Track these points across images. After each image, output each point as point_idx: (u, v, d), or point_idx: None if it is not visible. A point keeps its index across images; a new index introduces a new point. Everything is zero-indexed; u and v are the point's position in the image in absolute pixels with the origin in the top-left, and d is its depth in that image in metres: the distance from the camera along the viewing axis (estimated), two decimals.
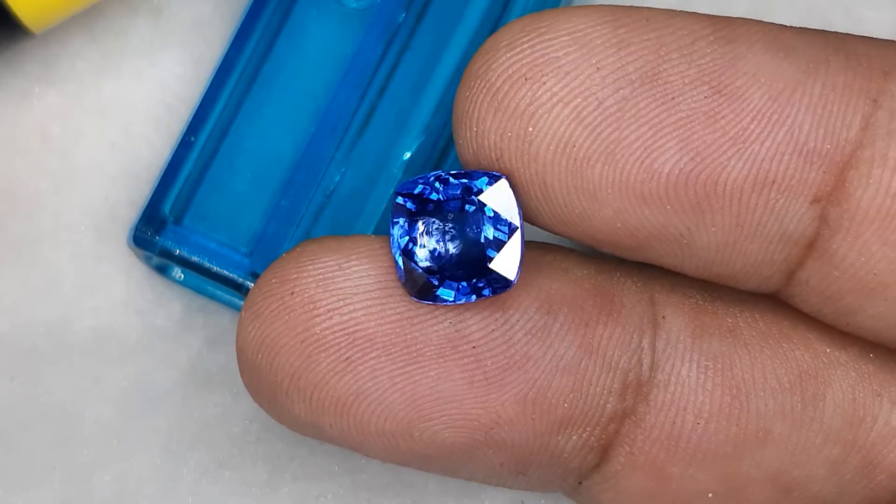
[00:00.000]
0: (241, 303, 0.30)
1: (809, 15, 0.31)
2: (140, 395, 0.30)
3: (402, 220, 0.22)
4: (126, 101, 0.31)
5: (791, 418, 0.24)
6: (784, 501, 0.24)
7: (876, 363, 0.24)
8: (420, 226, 0.22)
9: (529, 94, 0.22)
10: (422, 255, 0.22)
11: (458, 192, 0.22)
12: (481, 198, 0.22)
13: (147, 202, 0.29)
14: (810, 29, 0.23)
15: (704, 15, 0.22)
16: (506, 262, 0.22)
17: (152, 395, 0.30)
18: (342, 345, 0.23)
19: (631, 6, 0.23)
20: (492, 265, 0.22)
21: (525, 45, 0.22)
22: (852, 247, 0.22)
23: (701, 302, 0.24)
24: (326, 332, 0.23)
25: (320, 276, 0.23)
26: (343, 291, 0.23)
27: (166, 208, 0.29)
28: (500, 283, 0.22)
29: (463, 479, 0.25)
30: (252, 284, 0.29)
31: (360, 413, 0.23)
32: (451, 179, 0.22)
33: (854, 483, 0.24)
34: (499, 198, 0.22)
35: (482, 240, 0.22)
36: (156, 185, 0.29)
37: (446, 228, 0.22)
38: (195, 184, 0.29)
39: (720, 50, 0.22)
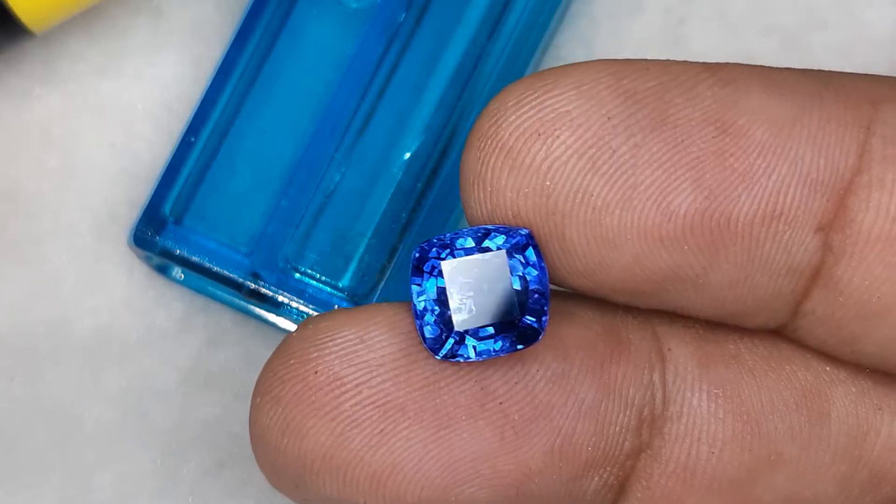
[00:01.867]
0: (242, 303, 0.30)
1: (809, 14, 0.31)
2: (140, 396, 0.30)
3: (421, 282, 0.22)
4: (126, 102, 0.31)
5: (800, 439, 0.24)
6: None
7: (873, 378, 0.24)
8: (444, 286, 0.22)
9: (544, 149, 0.22)
10: (448, 315, 0.22)
11: (477, 248, 0.22)
12: (505, 251, 0.22)
13: (147, 202, 0.29)
14: (795, 69, 0.24)
15: (697, 62, 0.23)
16: (534, 313, 0.22)
17: (152, 395, 0.30)
18: (374, 418, 0.22)
19: (628, 59, 0.23)
20: (519, 318, 0.22)
21: (534, 102, 0.22)
22: (856, 271, 0.23)
23: (702, 332, 0.24)
24: (357, 407, 0.22)
25: (342, 352, 0.22)
26: (368, 364, 0.22)
27: (166, 208, 0.29)
28: (529, 335, 0.22)
29: None
30: (252, 284, 0.29)
31: (397, 485, 0.22)
32: (470, 238, 0.22)
33: (861, 498, 0.24)
34: (522, 251, 0.22)
35: (508, 294, 0.22)
36: (156, 186, 0.29)
37: (470, 286, 0.22)
38: (195, 184, 0.29)
39: (720, 92, 0.23)
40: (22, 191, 0.31)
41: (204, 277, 0.29)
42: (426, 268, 0.22)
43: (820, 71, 0.24)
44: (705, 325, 0.25)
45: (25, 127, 0.31)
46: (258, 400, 0.23)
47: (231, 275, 0.29)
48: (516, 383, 0.23)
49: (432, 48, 0.30)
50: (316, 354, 0.22)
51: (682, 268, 0.23)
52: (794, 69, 0.23)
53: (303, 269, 0.29)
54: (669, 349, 0.24)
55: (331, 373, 0.22)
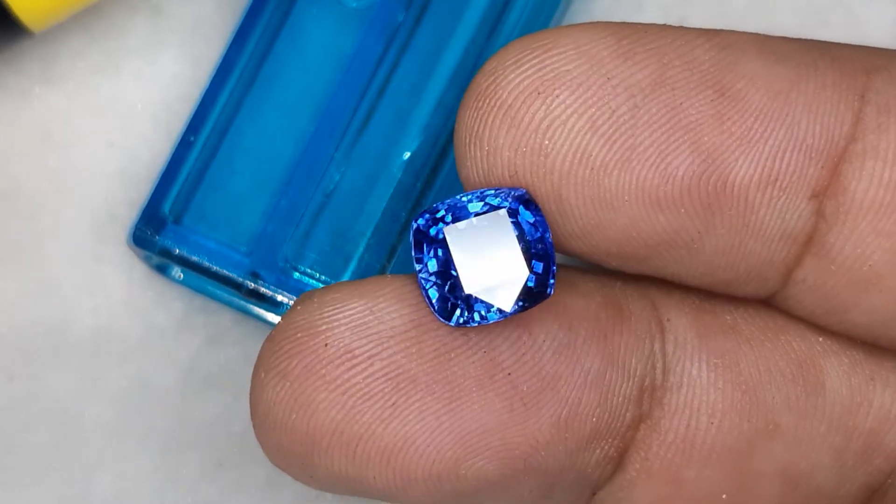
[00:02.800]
0: (241, 302, 0.30)
1: (809, 14, 0.31)
2: (140, 395, 0.30)
3: (426, 250, 0.22)
4: (125, 101, 0.31)
5: (796, 408, 0.24)
6: (791, 496, 0.24)
7: (864, 349, 0.25)
8: (448, 253, 0.22)
9: (543, 107, 0.22)
10: (455, 281, 0.22)
11: (478, 212, 0.22)
12: (506, 211, 0.22)
13: (147, 202, 0.29)
14: (791, 38, 0.24)
15: (694, 28, 0.23)
16: (541, 275, 0.22)
17: (152, 394, 0.30)
18: (386, 391, 0.22)
19: (625, 21, 0.23)
20: (527, 280, 0.22)
21: (534, 61, 0.22)
22: (848, 239, 0.23)
23: (699, 302, 0.24)
24: (369, 380, 0.22)
25: (353, 324, 0.22)
26: (379, 336, 0.22)
27: (166, 208, 0.29)
28: (536, 294, 0.22)
29: None
30: (252, 284, 0.29)
31: (408, 459, 0.22)
32: (473, 202, 0.22)
33: (854, 469, 0.24)
34: (524, 212, 0.22)
35: (514, 254, 0.22)
36: (155, 185, 0.29)
37: (474, 244, 0.22)
38: (195, 183, 0.29)
39: (717, 56, 0.22)
40: (21, 190, 0.31)
41: (203, 277, 0.29)
42: (430, 234, 0.22)
43: (815, 41, 0.24)
44: (702, 295, 0.25)
45: (25, 126, 0.31)
46: (262, 375, 0.23)
47: (231, 274, 0.29)
48: (524, 353, 0.23)
49: (432, 48, 0.30)
50: (325, 327, 0.22)
51: (677, 231, 0.23)
52: (789, 38, 0.23)
53: (302, 268, 0.29)
54: (668, 319, 0.24)
55: (342, 345, 0.22)
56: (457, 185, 0.29)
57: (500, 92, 0.22)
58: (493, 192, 0.22)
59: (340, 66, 0.29)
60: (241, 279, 0.29)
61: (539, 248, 0.22)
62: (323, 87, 0.29)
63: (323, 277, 0.29)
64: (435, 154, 0.29)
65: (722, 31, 0.23)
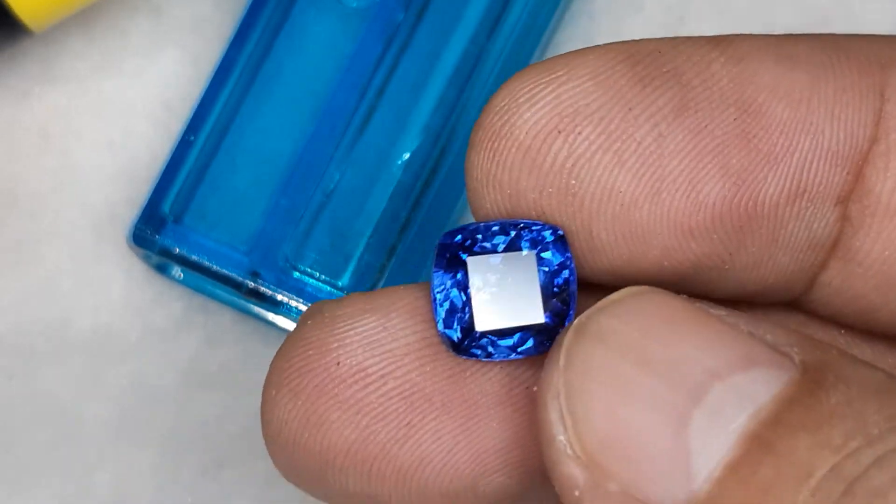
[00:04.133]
0: (241, 302, 0.30)
1: (810, 13, 0.31)
2: (139, 395, 0.30)
3: (444, 276, 0.21)
4: (126, 101, 0.31)
5: None
6: None
7: (886, 341, 0.24)
8: (467, 279, 0.21)
9: (566, 147, 0.21)
10: (469, 315, 0.21)
11: (504, 243, 0.21)
12: (534, 253, 0.21)
13: (146, 201, 0.29)
14: (802, 35, 0.23)
15: (703, 37, 0.22)
16: (558, 315, 0.21)
17: (152, 394, 0.30)
18: (400, 410, 0.22)
19: (635, 40, 0.22)
20: (546, 319, 0.21)
21: (549, 97, 0.21)
22: (875, 242, 0.22)
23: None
24: (382, 399, 0.21)
25: (365, 341, 0.22)
26: (392, 354, 0.22)
27: (166, 207, 0.29)
28: (552, 333, 0.21)
29: None
30: (251, 283, 0.29)
31: (425, 479, 0.22)
32: (501, 236, 0.21)
33: None
34: (552, 253, 0.21)
35: (534, 297, 0.21)
36: (155, 185, 0.29)
37: (494, 282, 0.21)
38: (195, 183, 0.29)
39: (734, 70, 0.22)
40: (21, 190, 0.31)
41: (203, 276, 0.29)
42: (449, 261, 0.21)
43: (828, 36, 0.23)
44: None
45: (25, 126, 0.31)
46: (274, 393, 0.22)
47: (230, 274, 0.29)
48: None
49: (432, 47, 0.30)
50: (337, 345, 0.22)
51: (709, 256, 0.22)
52: (800, 36, 0.23)
53: (302, 267, 0.29)
54: None
55: (354, 364, 0.21)
56: (457, 185, 0.29)
57: (517, 133, 0.21)
58: (525, 224, 0.21)
59: (340, 65, 0.29)
60: (240, 278, 0.29)
61: (562, 287, 0.21)
62: (323, 87, 0.29)
63: (323, 277, 0.29)
64: (434, 154, 0.29)
65: (733, 38, 0.22)
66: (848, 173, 0.22)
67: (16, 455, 0.30)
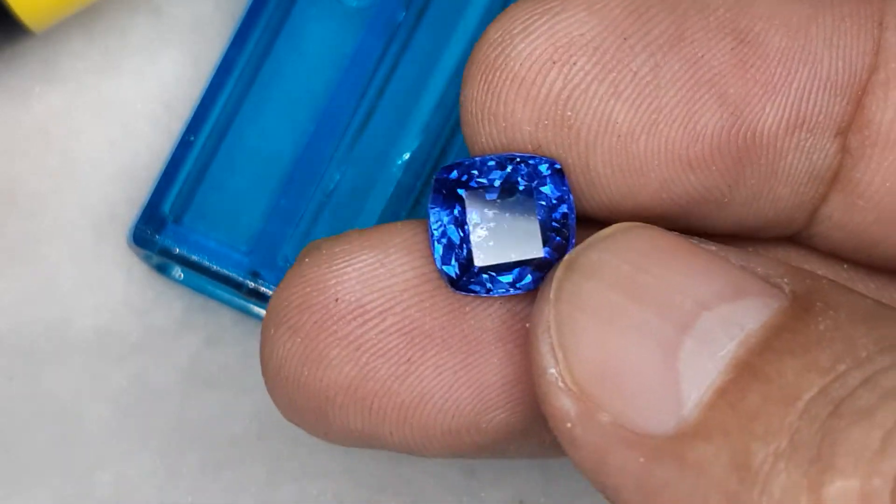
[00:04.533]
0: (242, 302, 0.30)
1: None
2: (140, 395, 0.30)
3: (441, 210, 0.21)
4: (126, 101, 0.31)
5: None
6: None
7: (890, 274, 0.24)
8: (464, 214, 0.21)
9: (562, 77, 0.21)
10: (467, 250, 0.21)
11: (501, 177, 0.21)
12: (532, 187, 0.21)
13: (147, 201, 0.29)
14: None
15: None
16: (557, 249, 0.21)
17: (152, 394, 0.30)
18: (400, 347, 0.21)
19: None
20: (545, 253, 0.21)
21: (543, 28, 0.21)
22: (876, 173, 0.22)
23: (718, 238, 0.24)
24: (382, 335, 0.21)
25: (363, 277, 0.21)
26: (391, 290, 0.21)
27: (166, 207, 0.29)
28: (546, 267, 0.21)
29: (500, 459, 0.24)
30: (252, 283, 0.29)
31: (426, 415, 0.22)
32: (498, 165, 0.21)
33: None
34: (550, 187, 0.21)
35: (532, 231, 0.21)
36: (155, 185, 0.29)
37: (492, 217, 0.21)
38: (195, 183, 0.29)
39: None
40: (21, 190, 0.31)
41: (203, 276, 0.29)
42: (446, 196, 0.21)
43: None
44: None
45: (25, 126, 0.31)
46: (272, 331, 0.22)
47: (231, 274, 0.29)
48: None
49: (432, 47, 0.30)
50: (335, 281, 0.21)
51: (708, 189, 0.22)
52: None
53: None
54: None
55: (353, 300, 0.21)
56: None
57: (512, 64, 0.21)
58: (522, 158, 0.21)
59: (340, 65, 0.29)
60: (241, 278, 0.29)
61: (561, 222, 0.21)
62: (323, 87, 0.29)
63: None
64: (435, 154, 0.29)
65: None
66: (847, 103, 0.22)
67: (16, 455, 0.30)
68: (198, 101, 0.30)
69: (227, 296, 0.30)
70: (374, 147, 0.29)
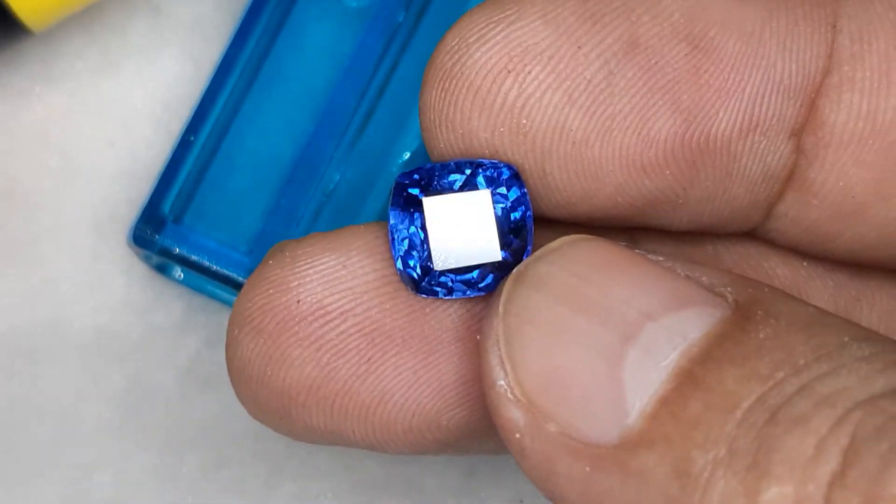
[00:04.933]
0: None
1: None
2: (139, 395, 0.30)
3: (400, 217, 0.22)
4: (125, 101, 0.31)
5: None
6: None
7: (849, 270, 0.24)
8: (423, 218, 0.22)
9: (517, 86, 0.21)
10: (426, 254, 0.22)
11: (460, 181, 0.22)
12: (490, 192, 0.22)
13: (147, 201, 0.29)
14: None
15: None
16: (515, 254, 0.22)
17: (152, 394, 0.30)
18: (361, 347, 0.22)
19: None
20: (503, 255, 0.22)
21: (499, 37, 0.21)
22: (830, 173, 0.22)
23: (678, 235, 0.24)
24: (342, 336, 0.22)
25: (325, 279, 0.22)
26: (352, 291, 0.22)
27: (166, 207, 0.29)
28: (509, 269, 0.22)
29: (465, 455, 0.24)
30: None
31: (387, 414, 0.22)
32: (457, 174, 0.22)
33: None
34: (507, 187, 0.22)
35: (490, 235, 0.22)
36: (155, 185, 0.29)
37: (451, 220, 0.22)
38: (195, 183, 0.29)
39: (685, 4, 0.22)
40: (21, 190, 0.31)
41: (203, 276, 0.29)
42: (406, 200, 0.22)
43: None
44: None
45: (25, 126, 0.31)
46: (237, 332, 0.22)
47: (231, 274, 0.29)
48: None
49: (432, 48, 0.29)
50: (297, 283, 0.22)
51: (663, 191, 0.22)
52: None
53: None
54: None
55: (314, 301, 0.22)
56: None
57: (468, 73, 0.22)
58: (479, 163, 0.22)
59: (340, 65, 0.29)
60: (241, 279, 0.29)
61: (519, 224, 0.22)
62: (323, 87, 0.29)
63: None
64: None
65: None
66: (801, 106, 0.22)
67: (16, 455, 0.30)
68: (198, 101, 0.30)
69: (227, 296, 0.30)
70: (374, 147, 0.29)
